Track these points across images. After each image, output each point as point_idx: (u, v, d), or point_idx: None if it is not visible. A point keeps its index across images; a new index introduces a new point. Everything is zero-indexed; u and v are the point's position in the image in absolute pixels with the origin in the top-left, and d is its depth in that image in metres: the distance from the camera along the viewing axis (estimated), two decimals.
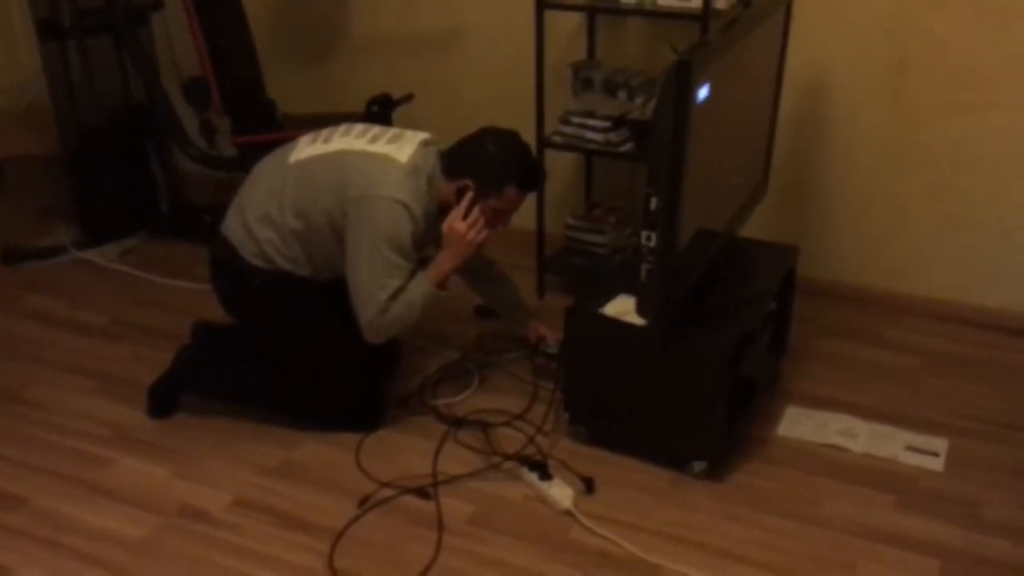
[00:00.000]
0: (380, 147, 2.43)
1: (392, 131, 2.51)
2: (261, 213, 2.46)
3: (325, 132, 2.53)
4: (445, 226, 2.41)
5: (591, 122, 2.99)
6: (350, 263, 2.38)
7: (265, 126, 3.36)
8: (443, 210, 2.46)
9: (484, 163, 2.42)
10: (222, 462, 2.47)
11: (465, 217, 2.40)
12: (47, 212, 3.82)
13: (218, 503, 2.32)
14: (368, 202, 2.34)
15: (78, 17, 3.42)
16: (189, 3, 3.19)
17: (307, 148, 2.50)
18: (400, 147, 2.43)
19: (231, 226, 2.53)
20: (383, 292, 2.35)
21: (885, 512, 2.26)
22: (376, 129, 2.51)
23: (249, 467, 2.44)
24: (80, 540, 2.20)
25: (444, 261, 2.43)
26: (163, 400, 2.66)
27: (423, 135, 2.50)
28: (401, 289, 2.37)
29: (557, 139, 3.07)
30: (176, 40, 3.68)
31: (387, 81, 3.50)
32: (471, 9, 3.44)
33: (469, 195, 2.41)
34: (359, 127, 2.53)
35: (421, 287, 2.40)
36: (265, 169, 2.55)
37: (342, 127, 2.53)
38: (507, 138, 2.46)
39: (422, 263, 2.46)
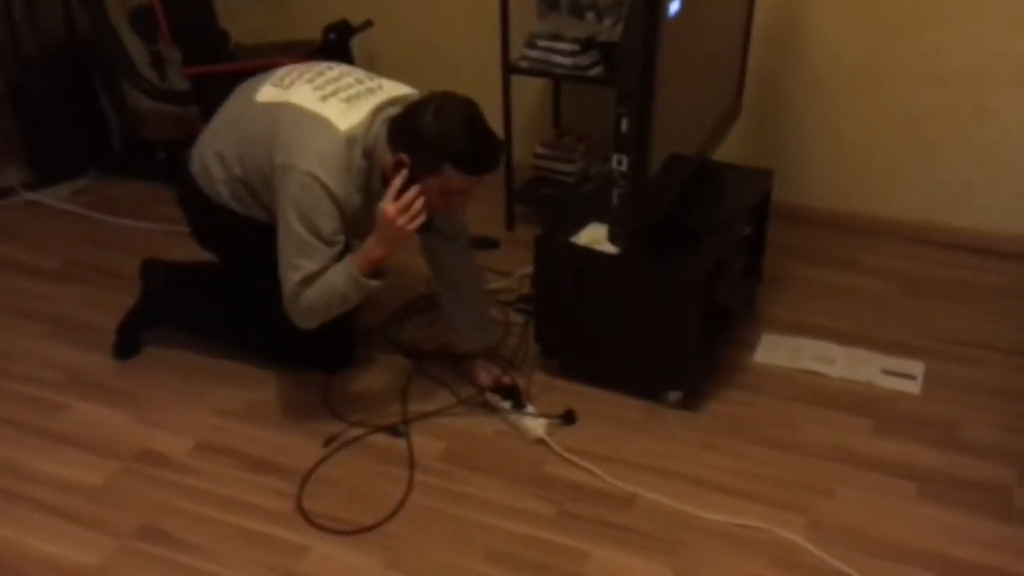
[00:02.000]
0: (327, 107, 2.13)
1: (362, 88, 2.20)
2: (216, 150, 2.31)
3: (297, 71, 2.27)
4: (382, 203, 2.07)
5: (558, 45, 2.87)
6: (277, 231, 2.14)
7: (217, 57, 3.21)
8: (387, 182, 2.12)
9: (419, 136, 2.04)
10: (183, 405, 2.39)
11: (398, 198, 2.06)
12: None
13: (180, 447, 2.24)
14: (285, 172, 2.07)
15: None
16: None
17: (270, 90, 2.26)
18: (349, 110, 2.12)
19: (196, 157, 2.36)
20: (295, 273, 2.08)
21: (862, 436, 2.23)
22: (348, 79, 2.22)
23: (211, 409, 2.37)
24: (37, 489, 2.12)
25: (372, 247, 2.09)
26: (127, 339, 2.58)
27: (388, 97, 2.18)
28: (319, 273, 2.09)
29: (523, 64, 2.96)
30: None
31: (345, 7, 3.35)
32: None
33: (403, 172, 2.05)
34: (334, 73, 2.24)
35: (343, 274, 2.09)
36: (232, 102, 2.36)
37: (317, 68, 2.27)
38: (452, 108, 2.05)
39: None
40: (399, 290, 2.83)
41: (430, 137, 2.03)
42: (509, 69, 2.96)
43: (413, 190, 2.05)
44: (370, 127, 2.13)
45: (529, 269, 2.69)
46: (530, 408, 2.30)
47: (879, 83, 2.94)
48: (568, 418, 2.30)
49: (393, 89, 2.22)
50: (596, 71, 2.88)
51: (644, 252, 2.22)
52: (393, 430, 2.28)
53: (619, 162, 2.02)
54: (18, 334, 2.68)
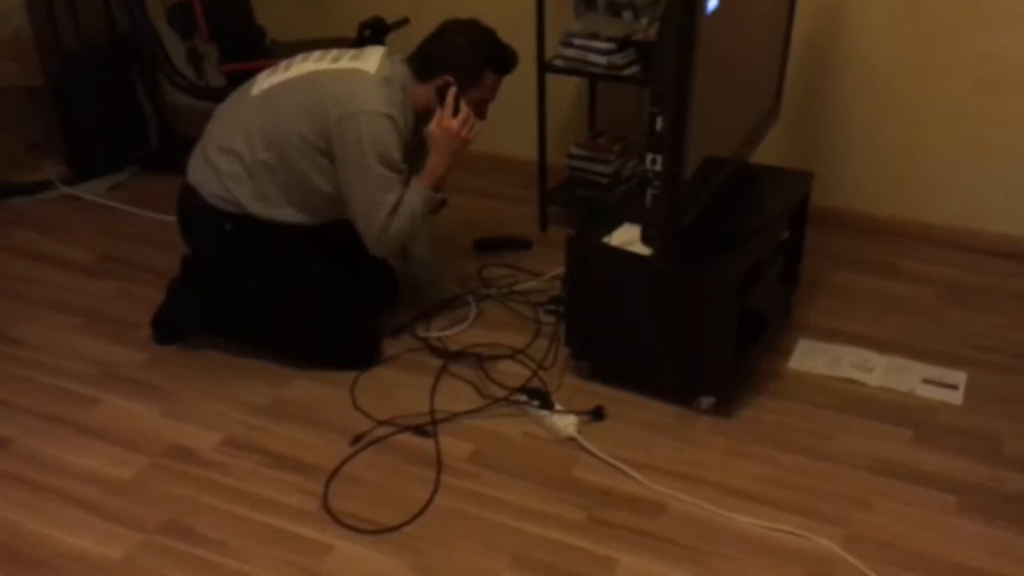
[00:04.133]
0: (345, 63, 2.35)
1: (350, 51, 2.41)
2: (226, 146, 2.35)
3: (283, 63, 2.43)
4: (433, 127, 2.35)
5: (594, 44, 2.84)
6: (345, 185, 2.31)
7: (254, 53, 3.21)
8: (420, 117, 2.39)
9: (458, 55, 2.36)
10: (211, 400, 2.38)
11: (454, 115, 2.34)
12: (33, 146, 3.69)
13: (207, 442, 2.24)
14: (351, 120, 2.25)
15: None
16: None
17: (268, 79, 2.41)
18: (365, 61, 2.34)
19: (194, 167, 2.43)
20: (381, 210, 2.30)
21: (901, 447, 2.17)
22: (334, 51, 2.42)
23: (239, 405, 2.36)
24: (65, 481, 2.13)
25: (437, 163, 2.37)
26: (165, 331, 2.59)
27: (383, 48, 2.41)
28: (399, 203, 2.32)
29: (558, 63, 2.93)
30: None
31: (380, 4, 3.34)
32: None
33: (452, 90, 2.34)
34: (316, 52, 2.43)
35: (419, 195, 2.35)
36: (226, 107, 2.46)
37: (299, 56, 2.43)
38: (473, 26, 2.41)
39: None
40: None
41: (470, 52, 2.36)
42: (544, 68, 2.93)
43: (463, 103, 2.35)
44: (394, 67, 2.35)
45: (561, 270, 2.66)
46: (559, 407, 2.27)
47: (923, 85, 2.87)
48: (597, 414, 2.27)
49: (371, 47, 2.43)
50: (632, 70, 2.84)
51: (678, 254, 2.18)
52: (421, 430, 2.25)
53: (653, 161, 1.98)
54: (51, 326, 2.70)
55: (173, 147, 3.71)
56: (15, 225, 3.26)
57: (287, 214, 2.39)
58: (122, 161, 3.61)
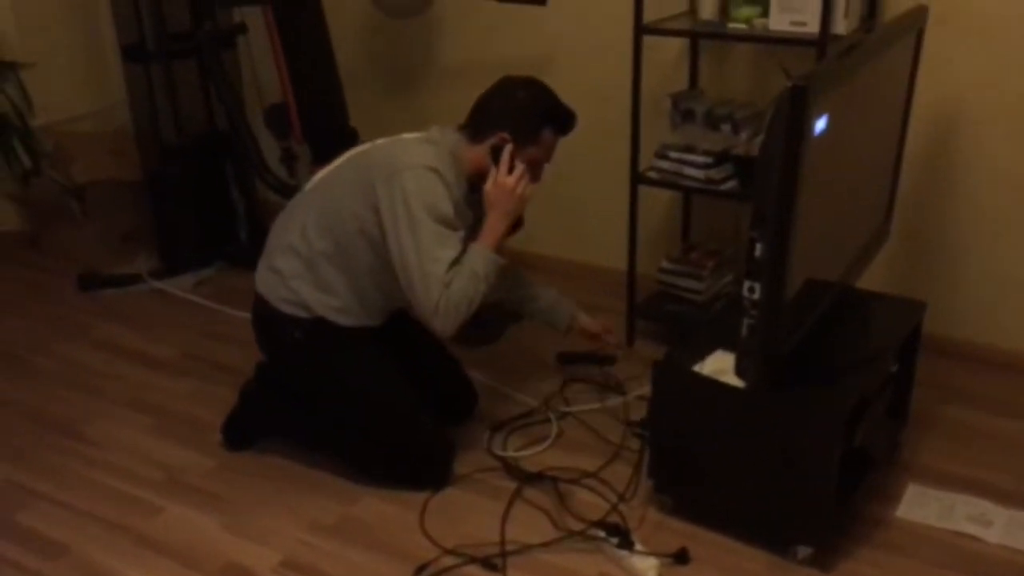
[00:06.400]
0: (388, 139, 2.34)
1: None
2: (285, 245, 2.32)
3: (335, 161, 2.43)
4: (489, 186, 2.24)
5: (690, 157, 2.74)
6: (394, 249, 2.16)
7: None
8: (473, 184, 2.29)
9: (517, 111, 2.27)
10: (275, 515, 2.28)
11: (509, 172, 2.24)
12: (128, 238, 3.76)
13: (266, 562, 2.13)
14: (395, 178, 2.16)
15: (163, 41, 3.35)
16: (273, 26, 3.09)
17: (318, 175, 2.41)
18: (406, 134, 2.34)
19: (260, 275, 2.41)
20: (439, 266, 2.12)
21: None
22: (381, 140, 2.40)
23: (302, 522, 2.25)
24: None
25: (495, 222, 2.24)
26: (236, 436, 2.53)
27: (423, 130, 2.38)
28: (459, 258, 2.16)
29: (652, 175, 2.83)
30: (259, 65, 3.58)
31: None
32: (563, 34, 3.23)
33: (508, 148, 2.24)
34: (365, 144, 2.41)
35: (480, 254, 2.19)
36: (284, 211, 2.44)
37: (349, 151, 2.42)
38: (532, 83, 2.33)
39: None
40: (506, 401, 2.69)
41: (529, 109, 2.27)
42: (637, 179, 2.83)
43: (519, 164, 2.24)
44: (441, 133, 2.30)
45: (646, 389, 2.51)
46: (639, 547, 2.09)
47: None
48: (681, 558, 2.09)
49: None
50: (729, 185, 2.72)
51: (775, 388, 2.01)
52: (489, 563, 2.10)
53: (751, 290, 1.84)
54: (124, 425, 2.66)
55: (261, 244, 3.72)
56: (102, 317, 3.28)
57: (351, 308, 2.31)
58: (211, 256, 3.63)
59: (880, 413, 2.32)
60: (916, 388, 2.49)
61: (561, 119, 2.32)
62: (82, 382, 2.89)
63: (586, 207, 3.41)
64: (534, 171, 2.32)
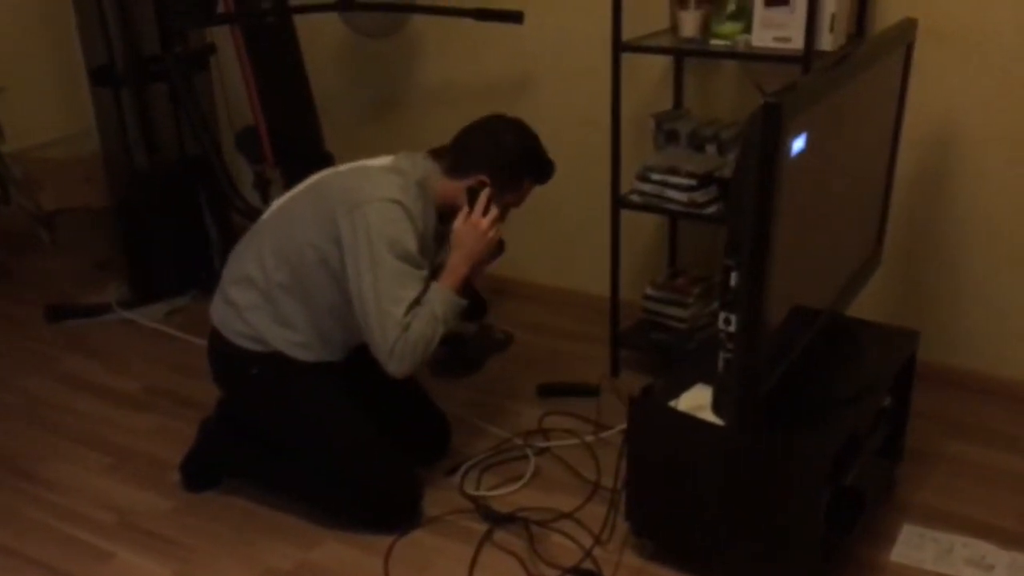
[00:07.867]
0: (351, 165, 2.25)
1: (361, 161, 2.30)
2: (241, 275, 2.21)
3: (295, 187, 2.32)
4: (459, 223, 2.16)
5: (674, 179, 2.62)
6: (354, 285, 2.06)
7: None
8: (442, 215, 2.22)
9: (501, 158, 2.19)
10: (230, 560, 2.16)
11: (483, 214, 2.16)
12: (100, 267, 3.65)
13: None
14: (357, 211, 2.06)
15: (133, 65, 3.25)
16: (241, 46, 2.99)
17: (276, 202, 2.30)
18: (377, 159, 2.23)
19: (215, 307, 2.30)
20: (398, 307, 2.03)
21: None
22: (344, 166, 2.30)
23: (259, 569, 2.12)
24: None
25: (459, 263, 2.15)
26: (195, 474, 2.40)
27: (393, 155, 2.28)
28: (418, 300, 2.07)
29: (634, 198, 2.71)
30: (230, 86, 3.48)
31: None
32: (544, 53, 3.13)
33: (487, 191, 2.16)
34: (327, 170, 2.31)
35: (440, 295, 2.10)
36: (241, 240, 2.33)
37: (310, 177, 2.31)
38: (520, 128, 2.25)
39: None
40: (482, 435, 2.56)
41: (514, 157, 2.20)
42: (619, 203, 2.72)
43: (493, 207, 2.16)
44: (411, 161, 2.20)
45: None
46: None
47: None
48: None
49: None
50: (714, 208, 2.60)
51: (757, 426, 1.88)
52: None
53: (727, 321, 1.72)
54: (79, 465, 2.54)
55: None
56: (66, 349, 3.16)
57: (312, 343, 2.20)
58: (185, 285, 3.51)
59: (872, 450, 2.19)
60: (912, 421, 2.36)
61: (543, 170, 2.28)
62: (41, 418, 2.77)
63: (570, 232, 3.29)
64: (504, 215, 2.26)
